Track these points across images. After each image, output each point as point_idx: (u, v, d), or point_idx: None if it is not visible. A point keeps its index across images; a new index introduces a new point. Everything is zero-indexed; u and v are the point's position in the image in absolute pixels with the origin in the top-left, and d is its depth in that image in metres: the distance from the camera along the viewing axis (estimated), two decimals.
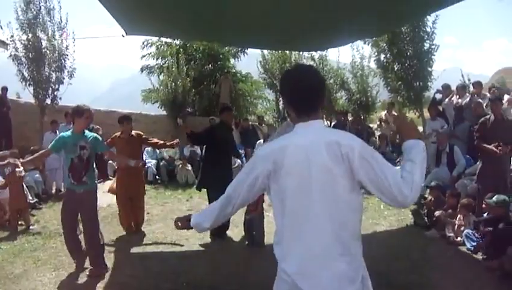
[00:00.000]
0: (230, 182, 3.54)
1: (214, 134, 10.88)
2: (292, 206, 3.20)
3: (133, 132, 11.31)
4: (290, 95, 3.42)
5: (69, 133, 8.11)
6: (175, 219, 3.91)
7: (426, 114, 17.56)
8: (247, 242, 10.29)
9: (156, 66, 27.74)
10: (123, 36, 10.93)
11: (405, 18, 10.63)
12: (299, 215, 3.18)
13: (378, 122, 20.24)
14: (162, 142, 11.79)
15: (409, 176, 3.09)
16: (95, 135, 8.47)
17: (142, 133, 11.44)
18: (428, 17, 17.12)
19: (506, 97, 15.91)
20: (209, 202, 10.73)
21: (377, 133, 19.55)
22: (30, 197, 12.83)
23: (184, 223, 3.85)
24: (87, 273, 8.25)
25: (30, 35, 17.95)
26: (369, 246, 9.06)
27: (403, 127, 3.38)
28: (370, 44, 19.63)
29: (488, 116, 10.89)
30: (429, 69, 17.74)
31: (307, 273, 3.16)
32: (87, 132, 8.25)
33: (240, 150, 14.15)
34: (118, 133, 11.41)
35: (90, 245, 8.28)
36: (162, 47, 27.32)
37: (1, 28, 18.02)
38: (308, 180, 3.14)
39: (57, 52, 18.48)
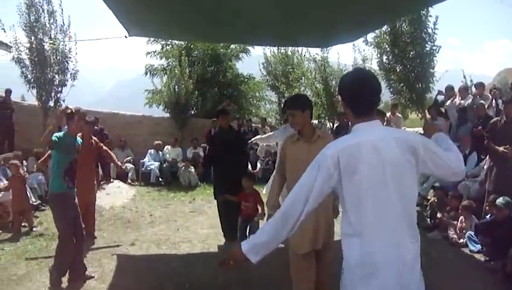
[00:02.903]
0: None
1: (213, 143, 10.95)
2: (369, 199, 3.33)
3: (93, 140, 11.00)
4: (353, 96, 3.55)
5: (68, 135, 7.90)
6: (225, 261, 3.59)
7: (429, 115, 17.54)
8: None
9: (160, 68, 27.71)
10: (126, 37, 10.88)
11: (406, 7, 10.52)
12: (377, 207, 3.32)
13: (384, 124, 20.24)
14: (114, 158, 11.70)
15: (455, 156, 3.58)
16: (80, 139, 8.42)
17: (98, 142, 11.25)
18: (429, 18, 17.12)
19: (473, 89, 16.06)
20: (219, 212, 10.93)
21: None
22: (33, 199, 12.85)
23: (238, 260, 3.53)
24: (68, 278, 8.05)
25: (33, 38, 17.99)
26: None
27: (425, 128, 3.91)
28: (372, 45, 19.58)
29: (499, 118, 10.88)
30: (431, 70, 17.67)
31: (388, 261, 3.32)
32: (78, 137, 8.23)
33: None
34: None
35: (81, 250, 8.19)
36: (167, 47, 27.24)
37: (4, 30, 18.08)
38: (383, 174, 3.31)
39: (59, 54, 18.51)
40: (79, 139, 8.17)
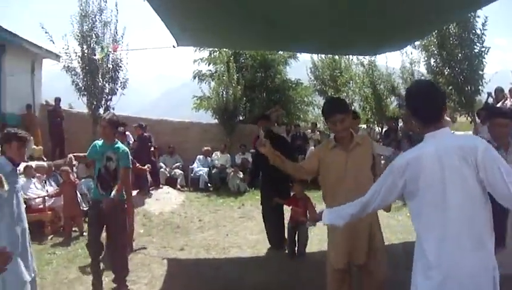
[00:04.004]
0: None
1: (257, 150, 10.95)
2: (429, 208, 3.47)
3: None
4: (417, 109, 3.72)
5: (100, 142, 8.02)
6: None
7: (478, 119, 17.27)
8: (286, 251, 10.14)
9: (208, 73, 27.88)
10: (174, 47, 10.94)
11: (454, 14, 10.36)
12: (436, 216, 3.43)
13: None
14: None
15: None
16: (125, 149, 8.21)
17: None
18: (477, 18, 16.91)
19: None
20: (264, 219, 10.89)
21: None
22: (83, 205, 13.00)
23: (315, 218, 4.52)
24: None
25: (85, 47, 18.29)
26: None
27: None
28: (419, 48, 19.41)
29: None
30: (480, 72, 17.43)
31: (446, 268, 3.38)
32: (119, 144, 8.08)
33: None
34: None
35: (116, 259, 8.08)
36: (214, 53, 27.33)
37: (53, 42, 18.45)
38: (442, 183, 3.40)
39: (111, 64, 18.81)
40: (120, 147, 8.03)
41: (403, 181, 3.54)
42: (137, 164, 10.96)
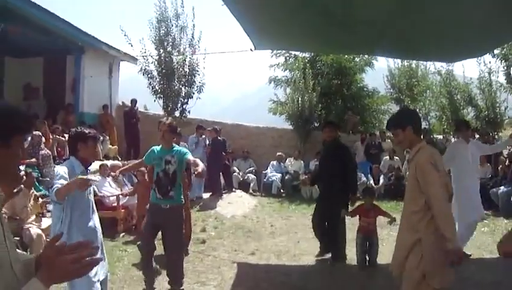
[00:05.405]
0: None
1: (321, 159, 10.86)
2: None
3: None
4: None
5: (158, 147, 8.05)
6: None
7: None
8: (356, 263, 9.83)
9: (283, 79, 27.82)
10: (251, 50, 10.92)
11: None
12: None
13: None
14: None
15: None
16: (182, 148, 8.34)
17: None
18: None
19: None
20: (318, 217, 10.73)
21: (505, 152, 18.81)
22: None
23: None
24: None
25: (161, 50, 18.60)
26: (491, 271, 8.63)
27: None
28: (498, 57, 18.97)
29: None
30: None
31: None
32: (176, 147, 8.15)
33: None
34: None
35: (172, 264, 8.08)
36: (290, 59, 27.31)
37: (131, 45, 18.87)
38: None
39: (187, 68, 19.04)
40: (178, 149, 8.10)
41: None
42: None
